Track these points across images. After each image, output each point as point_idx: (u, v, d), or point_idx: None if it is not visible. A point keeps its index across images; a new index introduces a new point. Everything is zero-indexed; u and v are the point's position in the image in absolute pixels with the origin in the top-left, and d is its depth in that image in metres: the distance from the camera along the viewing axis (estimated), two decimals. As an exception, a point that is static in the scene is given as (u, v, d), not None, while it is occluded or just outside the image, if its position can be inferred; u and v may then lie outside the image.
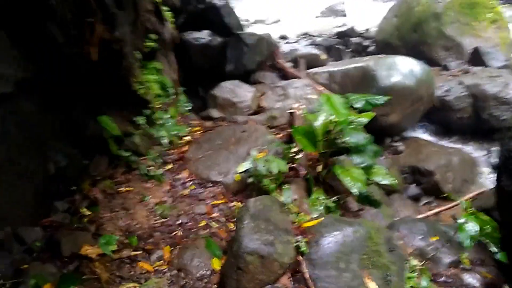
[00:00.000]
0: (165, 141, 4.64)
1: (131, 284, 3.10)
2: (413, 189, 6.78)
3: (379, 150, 4.92)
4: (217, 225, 3.82)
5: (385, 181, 4.57)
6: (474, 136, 7.74)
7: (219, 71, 8.17)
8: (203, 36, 8.26)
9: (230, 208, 4.10)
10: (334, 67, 8.17)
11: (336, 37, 10.04)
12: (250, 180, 4.19)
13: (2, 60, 3.23)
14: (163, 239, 3.61)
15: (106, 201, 3.85)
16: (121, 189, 4.03)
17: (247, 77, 8.22)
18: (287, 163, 4.52)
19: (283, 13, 12.49)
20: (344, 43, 9.81)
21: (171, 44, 5.65)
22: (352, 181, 4.19)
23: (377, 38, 9.77)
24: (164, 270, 3.27)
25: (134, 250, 3.41)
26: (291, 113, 5.27)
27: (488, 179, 7.09)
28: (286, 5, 13.29)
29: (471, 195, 6.34)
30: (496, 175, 4.52)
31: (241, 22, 8.71)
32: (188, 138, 5.07)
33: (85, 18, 3.66)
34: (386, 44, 9.41)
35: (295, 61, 8.80)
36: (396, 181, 4.65)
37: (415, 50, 8.83)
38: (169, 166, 4.48)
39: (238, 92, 7.40)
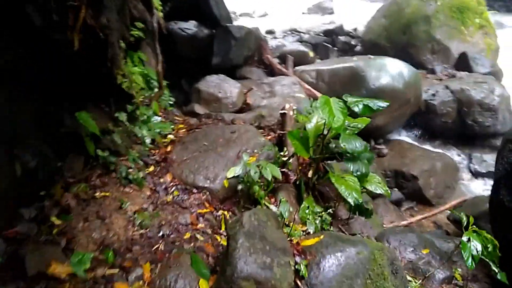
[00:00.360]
0: (147, 140, 4.12)
1: (105, 310, 2.63)
2: (396, 194, 6.50)
3: (372, 157, 4.55)
4: (203, 238, 3.36)
5: (379, 191, 4.20)
6: (457, 141, 7.53)
7: (205, 64, 7.66)
8: (190, 26, 7.71)
9: (216, 218, 3.66)
10: (322, 65, 7.77)
11: (323, 35, 9.61)
12: (240, 187, 3.73)
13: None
14: (143, 254, 3.13)
15: (79, 209, 3.33)
16: (97, 194, 3.50)
17: (233, 72, 7.73)
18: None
19: (270, 7, 11.96)
20: (332, 41, 9.39)
21: (158, 34, 5.10)
22: (347, 190, 3.80)
23: (364, 38, 9.40)
24: (144, 292, 2.81)
25: (110, 268, 2.92)
26: (282, 114, 4.83)
27: (468, 186, 6.89)
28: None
29: (454, 202, 6.10)
30: (493, 188, 4.23)
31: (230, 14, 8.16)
32: (172, 137, 4.56)
33: (69, 1, 3.12)
34: (374, 44, 9.06)
35: (283, 57, 8.35)
36: (389, 191, 4.30)
37: (403, 52, 8.52)
38: (151, 169, 3.96)
39: (224, 87, 6.91)
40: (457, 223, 5.44)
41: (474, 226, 3.44)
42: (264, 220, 2.92)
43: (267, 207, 3.88)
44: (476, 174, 6.86)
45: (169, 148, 4.27)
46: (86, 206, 3.38)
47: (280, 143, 4.73)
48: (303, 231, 3.73)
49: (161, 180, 3.86)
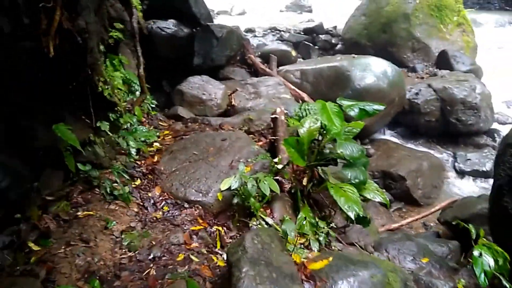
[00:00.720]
0: (132, 150, 3.72)
1: None
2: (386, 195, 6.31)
3: (368, 162, 4.30)
4: (198, 260, 3.01)
5: (377, 199, 3.96)
6: (440, 140, 7.41)
7: (186, 64, 7.23)
8: (169, 26, 7.24)
9: (211, 235, 3.31)
10: (306, 65, 7.48)
11: (303, 33, 9.32)
12: (236, 200, 3.40)
13: None
14: (133, 280, 2.76)
15: (60, 231, 2.93)
16: (79, 213, 3.10)
17: (215, 72, 7.34)
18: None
19: (248, 5, 11.58)
20: (312, 40, 9.11)
21: (138, 34, 4.68)
22: (347, 203, 3.53)
23: (345, 37, 9.17)
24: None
25: (97, 300, 2.55)
26: (274, 118, 4.51)
27: (454, 185, 6.77)
28: (252, -4, 12.42)
29: (444, 204, 5.93)
30: (493, 195, 4.05)
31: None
32: (158, 145, 4.17)
33: (41, 2, 2.70)
34: (354, 43, 8.84)
35: (264, 57, 8.01)
36: (388, 198, 4.06)
37: (383, 51, 8.33)
38: (138, 182, 3.57)
39: (208, 88, 6.54)
40: (448, 224, 5.28)
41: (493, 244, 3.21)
42: (268, 242, 2.61)
43: (263, 219, 3.57)
44: (461, 173, 6.74)
45: (156, 158, 3.89)
46: (67, 228, 2.99)
47: (272, 149, 4.42)
48: (301, 243, 3.44)
49: (149, 194, 3.48)
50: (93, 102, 3.34)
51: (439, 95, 7.23)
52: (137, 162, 3.78)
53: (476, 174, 6.67)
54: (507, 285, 3.06)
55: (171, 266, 2.92)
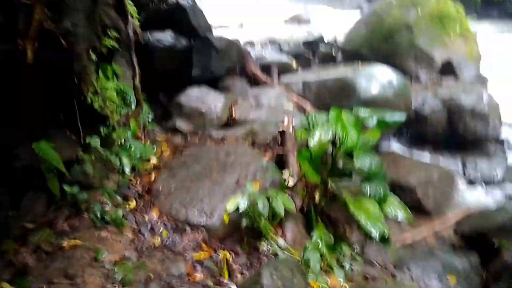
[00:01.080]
0: (126, 168, 3.22)
1: None
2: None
3: (386, 174, 3.82)
4: (203, 295, 2.51)
5: (400, 216, 3.48)
6: (448, 150, 6.93)
7: (184, 76, 6.78)
8: (167, 37, 6.81)
9: (217, 264, 2.81)
10: (308, 75, 7.05)
11: (303, 45, 8.91)
12: (245, 223, 2.90)
13: None
14: (127, 324, 2.26)
15: (41, 266, 2.42)
16: (64, 243, 2.60)
17: (215, 84, 6.87)
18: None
19: (247, 19, 11.20)
20: (312, 51, 8.70)
21: (134, 44, 4.23)
22: (369, 220, 3.06)
23: (345, 48, 8.77)
24: None
25: None
26: (281, 132, 4.04)
27: (465, 194, 6.31)
28: (249, 11, 11.97)
29: (460, 215, 5.48)
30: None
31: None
32: (155, 161, 3.69)
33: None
34: (355, 54, 8.42)
35: (265, 69, 7.57)
36: (411, 215, 3.59)
37: (385, 61, 7.86)
38: (132, 204, 3.07)
39: (207, 100, 6.08)
40: (465, 237, 4.85)
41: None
42: (289, 277, 2.13)
43: (275, 241, 3.08)
44: (472, 182, 6.31)
45: (153, 176, 3.39)
46: (50, 262, 2.48)
47: (279, 163, 3.94)
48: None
49: (146, 217, 2.97)
50: (81, 116, 2.86)
51: (446, 104, 6.82)
52: (132, 181, 3.28)
53: (488, 183, 6.23)
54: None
55: (172, 305, 2.42)
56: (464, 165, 6.62)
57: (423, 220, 5.79)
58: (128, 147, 3.30)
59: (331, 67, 7.61)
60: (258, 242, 2.95)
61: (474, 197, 6.09)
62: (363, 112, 3.52)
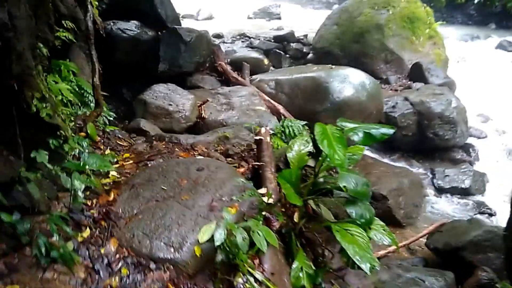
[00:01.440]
0: (79, 189, 2.65)
1: None
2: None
3: (370, 193, 3.47)
4: None
5: (386, 241, 3.15)
6: (417, 154, 6.77)
7: (150, 70, 6.17)
8: (131, 27, 6.17)
9: (187, 306, 2.34)
10: (281, 75, 6.62)
11: (274, 41, 8.44)
12: (220, 257, 2.44)
13: None
14: None
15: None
16: (-2, 289, 2.06)
17: (183, 80, 6.33)
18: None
19: (215, 9, 10.57)
20: (283, 48, 8.26)
21: (93, 36, 3.62)
22: (358, 253, 2.70)
23: (316, 46, 8.40)
24: None
25: None
26: (258, 140, 3.60)
27: (434, 203, 6.13)
28: (217, 1, 11.34)
29: (432, 227, 5.21)
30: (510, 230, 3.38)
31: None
32: (115, 174, 3.13)
33: None
34: (326, 52, 8.10)
35: (235, 64, 7.07)
36: (397, 239, 3.28)
37: (356, 61, 7.63)
38: (86, 234, 2.50)
39: (175, 98, 5.54)
40: (436, 251, 4.63)
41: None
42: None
43: (251, 274, 2.65)
44: (440, 190, 6.13)
45: (112, 196, 2.83)
46: (-23, 317, 1.92)
47: (255, 177, 3.50)
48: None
49: (102, 251, 2.43)
50: (23, 127, 2.27)
51: (416, 108, 6.63)
52: (87, 202, 2.71)
53: (455, 192, 6.08)
54: None
55: None
56: (433, 172, 6.45)
57: (395, 231, 5.54)
58: (83, 160, 2.73)
59: (303, 67, 7.22)
60: (233, 277, 2.51)
61: (443, 206, 5.94)
62: (348, 125, 3.13)
